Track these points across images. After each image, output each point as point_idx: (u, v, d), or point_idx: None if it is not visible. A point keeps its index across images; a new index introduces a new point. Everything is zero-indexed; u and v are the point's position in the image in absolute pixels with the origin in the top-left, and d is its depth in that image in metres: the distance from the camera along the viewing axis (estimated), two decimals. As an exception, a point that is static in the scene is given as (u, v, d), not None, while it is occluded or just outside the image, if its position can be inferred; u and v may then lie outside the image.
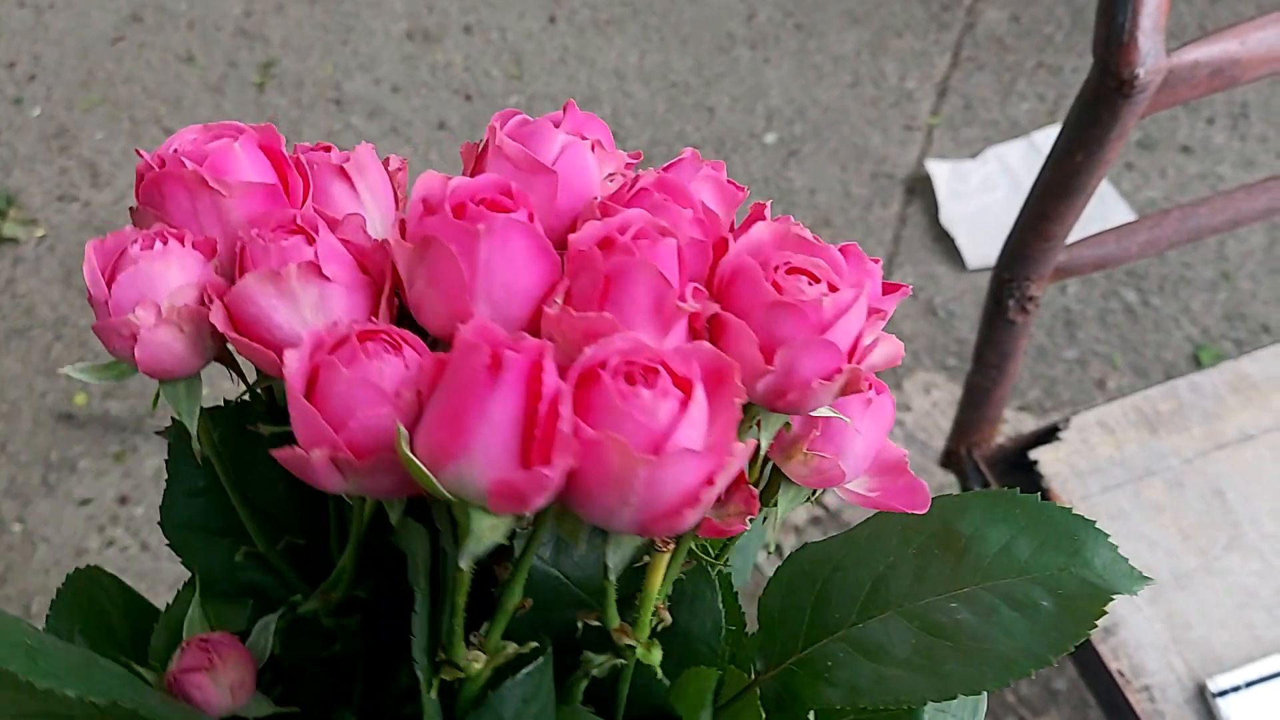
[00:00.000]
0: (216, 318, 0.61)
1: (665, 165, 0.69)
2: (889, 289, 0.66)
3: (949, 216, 2.46)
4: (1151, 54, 0.99)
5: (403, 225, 0.62)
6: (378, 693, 0.77)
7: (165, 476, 0.76)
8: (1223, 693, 1.16)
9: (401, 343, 0.58)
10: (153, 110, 2.64)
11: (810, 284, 0.60)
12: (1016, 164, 2.54)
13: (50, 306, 2.34)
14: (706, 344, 0.58)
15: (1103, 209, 2.41)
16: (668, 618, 0.69)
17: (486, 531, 0.56)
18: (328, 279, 0.61)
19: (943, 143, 2.60)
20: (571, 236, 0.60)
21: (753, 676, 0.73)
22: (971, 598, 0.69)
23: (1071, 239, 1.25)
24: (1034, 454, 1.38)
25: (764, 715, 0.69)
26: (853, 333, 0.61)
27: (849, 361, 0.61)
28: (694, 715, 0.71)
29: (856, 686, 0.69)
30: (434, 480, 0.55)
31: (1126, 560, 0.69)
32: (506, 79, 2.73)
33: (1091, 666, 1.25)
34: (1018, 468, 1.42)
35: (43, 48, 2.75)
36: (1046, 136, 2.56)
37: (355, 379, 0.56)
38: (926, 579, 0.70)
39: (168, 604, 0.74)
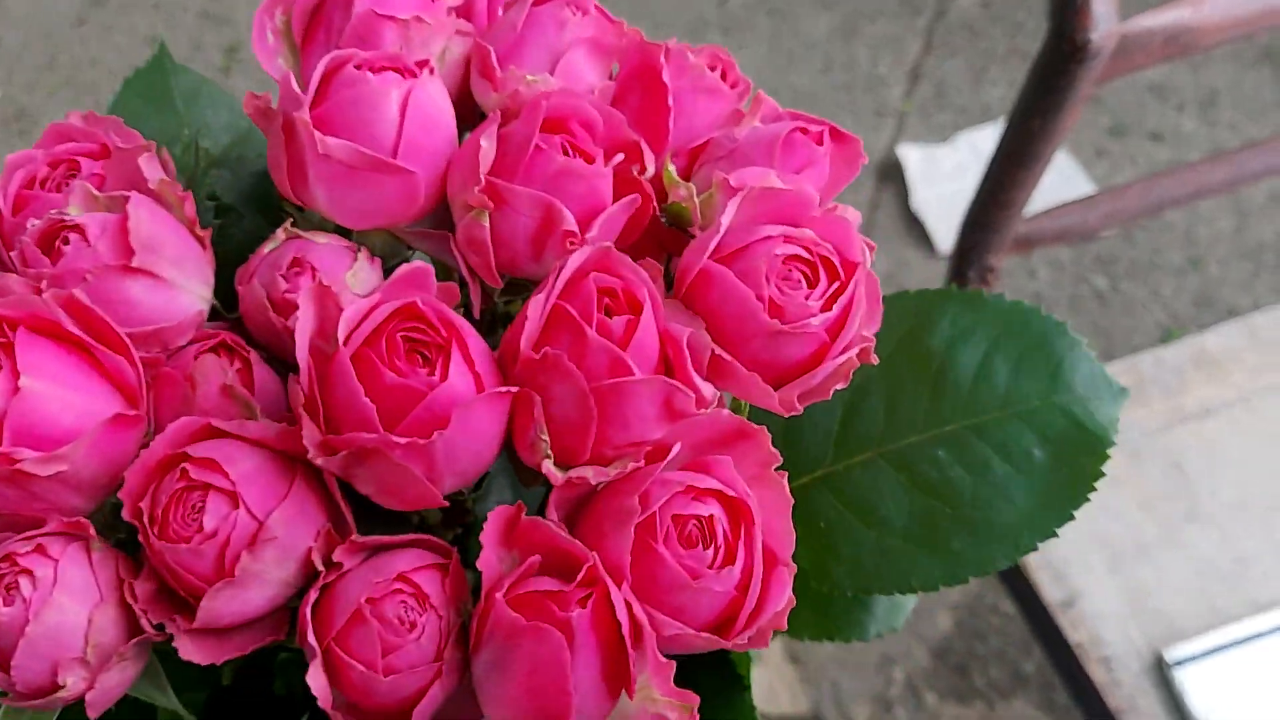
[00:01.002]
0: (189, 653, 0.48)
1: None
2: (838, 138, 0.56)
3: (920, 202, 2.40)
4: (1105, 19, 0.97)
5: (311, 408, 0.48)
6: None
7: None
8: (1179, 662, 1.14)
9: (417, 584, 0.48)
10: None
11: (807, 281, 0.51)
12: (988, 149, 2.47)
13: (11, 294, 2.25)
14: (725, 413, 0.50)
15: (1068, 188, 2.38)
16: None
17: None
18: (276, 536, 0.48)
19: (915, 128, 2.50)
20: (523, 339, 0.49)
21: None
22: (958, 445, 0.64)
23: (1032, 211, 1.24)
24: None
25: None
26: (856, 324, 0.52)
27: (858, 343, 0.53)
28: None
29: (860, 562, 0.64)
30: None
31: (1104, 370, 0.66)
32: (478, 62, 2.63)
33: (1053, 639, 1.23)
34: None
35: (4, 30, 2.64)
36: (1018, 122, 2.51)
37: (402, 674, 0.48)
38: (902, 409, 0.66)
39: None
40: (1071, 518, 0.63)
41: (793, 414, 0.51)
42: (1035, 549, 0.62)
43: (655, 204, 0.54)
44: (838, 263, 0.52)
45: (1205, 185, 1.28)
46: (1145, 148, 2.49)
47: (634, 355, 0.48)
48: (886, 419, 0.66)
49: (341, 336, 0.47)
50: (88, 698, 0.48)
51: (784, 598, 0.49)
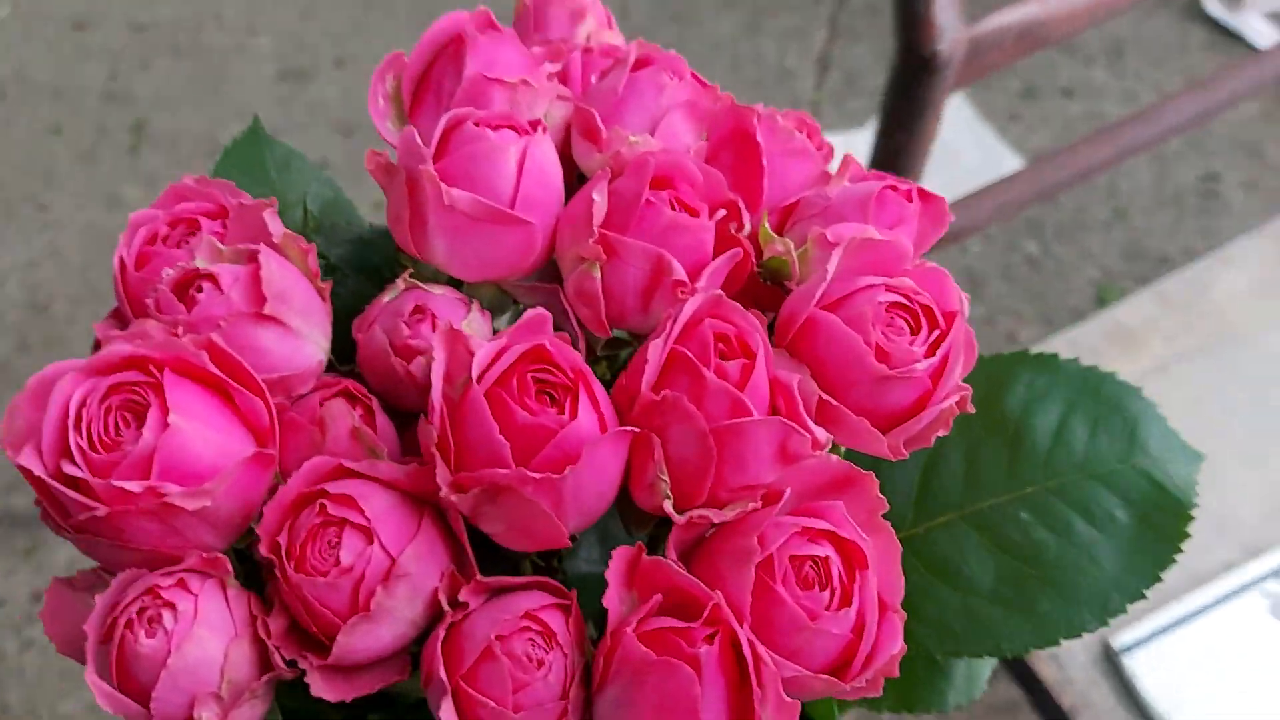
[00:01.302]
0: (320, 690, 0.49)
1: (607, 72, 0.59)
2: (925, 199, 0.58)
3: (844, 189, 2.40)
4: (950, 28, 0.99)
5: (444, 449, 0.49)
6: None
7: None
8: (1127, 649, 1.12)
9: (544, 621, 0.49)
10: (25, 188, 2.47)
11: (910, 328, 0.53)
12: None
13: (-67, 394, 2.18)
14: (834, 459, 0.51)
15: (992, 161, 2.40)
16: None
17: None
18: (409, 573, 0.49)
19: (829, 116, 2.53)
20: (644, 381, 0.50)
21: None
22: (1040, 506, 0.64)
23: (962, 194, 1.25)
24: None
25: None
26: (958, 371, 0.54)
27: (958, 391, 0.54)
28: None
29: (946, 624, 0.63)
30: None
31: (1177, 434, 0.66)
32: (388, 107, 2.57)
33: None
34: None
35: (-94, 130, 2.59)
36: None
37: (530, 711, 0.48)
38: (981, 471, 0.66)
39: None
40: (1159, 579, 0.63)
41: (898, 458, 0.53)
42: (1125, 611, 0.63)
43: (753, 260, 0.56)
44: (938, 312, 0.54)
45: (1096, 161, 1.31)
46: (1058, 105, 2.54)
47: (749, 399, 0.50)
48: (966, 481, 0.66)
49: (475, 375, 0.49)
50: None
51: (897, 643, 0.51)
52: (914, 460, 0.65)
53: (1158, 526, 0.64)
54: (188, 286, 0.52)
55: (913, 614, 0.61)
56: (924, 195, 0.58)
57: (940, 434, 0.54)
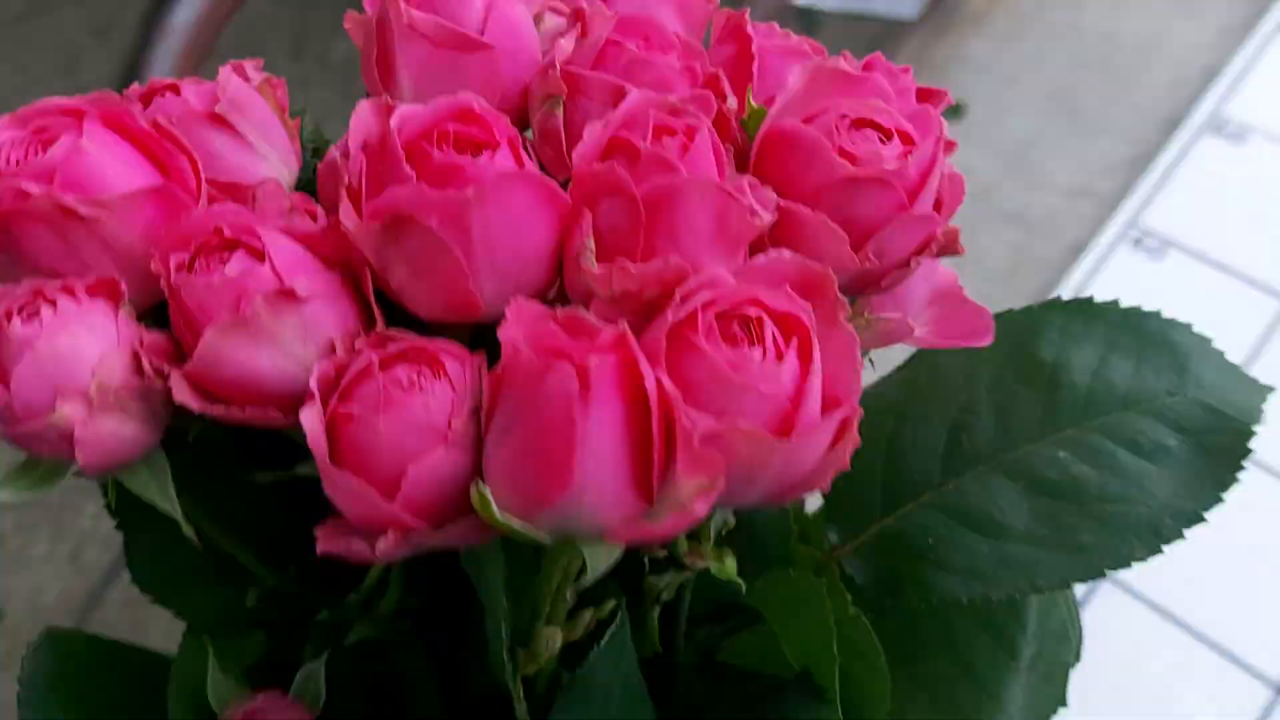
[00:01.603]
0: (182, 394, 0.45)
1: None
2: (925, 97, 0.53)
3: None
4: None
5: (353, 192, 0.47)
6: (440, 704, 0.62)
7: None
8: None
9: (434, 354, 0.45)
10: None
11: (882, 140, 0.48)
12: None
13: None
14: (787, 254, 0.46)
15: None
16: (732, 520, 0.54)
17: (603, 559, 0.44)
18: (303, 299, 0.45)
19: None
20: (576, 154, 0.46)
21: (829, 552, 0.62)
22: (1079, 444, 0.59)
23: None
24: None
25: (849, 597, 0.54)
26: (936, 187, 0.49)
27: (940, 220, 0.49)
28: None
29: (975, 569, 0.58)
30: (530, 531, 0.43)
31: (1237, 366, 0.60)
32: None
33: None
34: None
35: None
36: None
37: (398, 426, 0.43)
38: (1014, 421, 0.60)
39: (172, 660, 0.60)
40: (1220, 500, 0.57)
41: (868, 268, 0.48)
42: (1181, 537, 0.56)
43: (735, 126, 0.53)
44: (915, 135, 0.49)
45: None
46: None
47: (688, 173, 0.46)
48: (998, 432, 0.60)
49: (395, 128, 0.46)
50: (78, 434, 0.45)
51: (841, 421, 0.44)
52: (940, 418, 0.60)
53: (1215, 449, 0.57)
54: (153, 97, 0.53)
55: (938, 566, 0.58)
56: (923, 89, 0.54)
57: (924, 258, 0.49)
